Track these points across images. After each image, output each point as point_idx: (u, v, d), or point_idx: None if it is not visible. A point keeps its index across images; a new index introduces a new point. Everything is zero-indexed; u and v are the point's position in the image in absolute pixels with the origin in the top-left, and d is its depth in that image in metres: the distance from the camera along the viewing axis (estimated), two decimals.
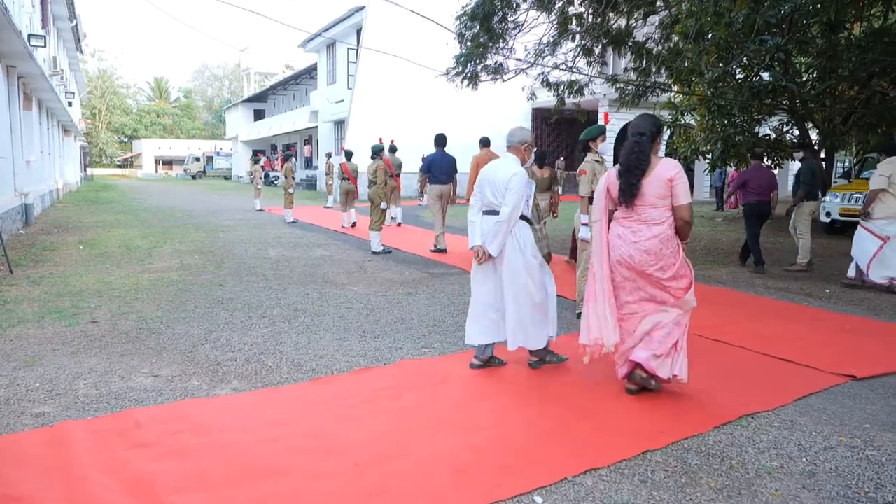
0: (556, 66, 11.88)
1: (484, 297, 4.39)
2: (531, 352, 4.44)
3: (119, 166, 67.27)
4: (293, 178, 15.62)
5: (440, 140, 10.18)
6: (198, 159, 55.79)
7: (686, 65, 13.19)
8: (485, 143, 9.90)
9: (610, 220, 4.00)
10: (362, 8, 24.17)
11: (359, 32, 24.88)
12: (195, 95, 77.26)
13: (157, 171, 63.35)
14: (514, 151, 4.40)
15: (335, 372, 4.37)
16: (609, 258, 3.91)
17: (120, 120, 66.47)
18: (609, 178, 3.97)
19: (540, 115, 27.01)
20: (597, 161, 5.83)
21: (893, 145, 7.58)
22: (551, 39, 10.93)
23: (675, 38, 13.35)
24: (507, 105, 25.62)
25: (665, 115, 15.56)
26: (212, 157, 55.52)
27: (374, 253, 10.13)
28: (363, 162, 12.87)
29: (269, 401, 3.82)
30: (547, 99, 24.31)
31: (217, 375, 4.28)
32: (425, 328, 5.57)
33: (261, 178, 19.68)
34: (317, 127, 31.04)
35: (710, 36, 12.44)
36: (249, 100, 50.04)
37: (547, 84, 11.99)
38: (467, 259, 9.35)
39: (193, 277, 7.92)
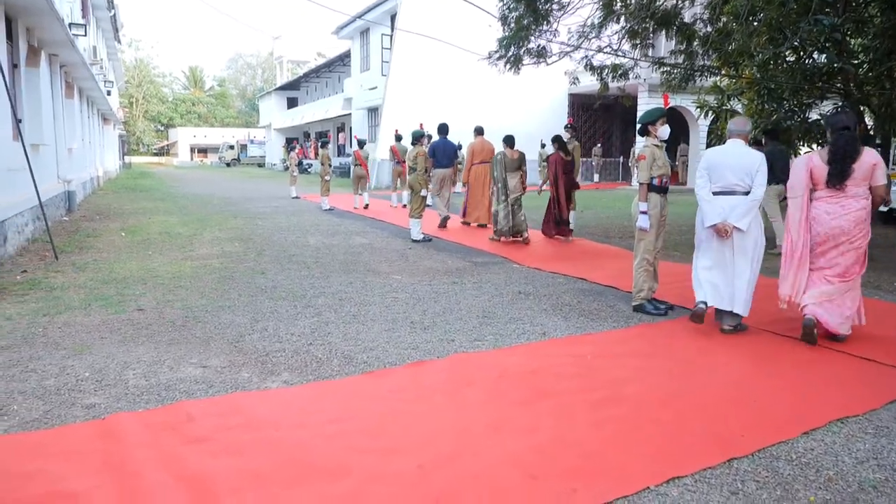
0: (601, 50, 11.50)
1: (713, 266, 4.98)
2: (731, 316, 4.99)
3: (155, 154, 68.31)
4: (329, 166, 15.52)
5: (443, 129, 11.36)
6: (232, 147, 56.28)
7: (734, 47, 12.70)
8: (479, 131, 11.58)
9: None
10: None
11: (393, 18, 24.64)
12: (229, 84, 77.93)
13: (192, 158, 64.15)
14: (742, 138, 5.00)
15: (387, 365, 4.21)
16: (810, 230, 4.72)
17: (156, 108, 67.41)
18: (811, 162, 4.72)
19: (577, 101, 26.54)
20: (656, 146, 5.55)
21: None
22: (596, 21, 10.55)
23: (724, 19, 12.86)
24: (543, 90, 25.22)
25: (710, 99, 15.09)
26: (245, 146, 55.94)
27: (415, 241, 9.96)
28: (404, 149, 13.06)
29: (322, 394, 3.67)
30: (585, 84, 23.81)
31: (267, 367, 4.14)
32: (475, 319, 5.38)
33: (296, 165, 19.65)
34: (350, 114, 30.94)
35: (761, 16, 11.96)
36: (282, 88, 50.22)
37: (591, 68, 11.62)
38: (508, 248, 9.24)
39: (235, 265, 7.84)
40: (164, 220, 12.95)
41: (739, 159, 4.88)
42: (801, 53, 13.57)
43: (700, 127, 24.16)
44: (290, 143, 26.96)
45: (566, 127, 11.30)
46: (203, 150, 65.28)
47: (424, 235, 10.15)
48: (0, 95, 7.95)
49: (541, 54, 10.65)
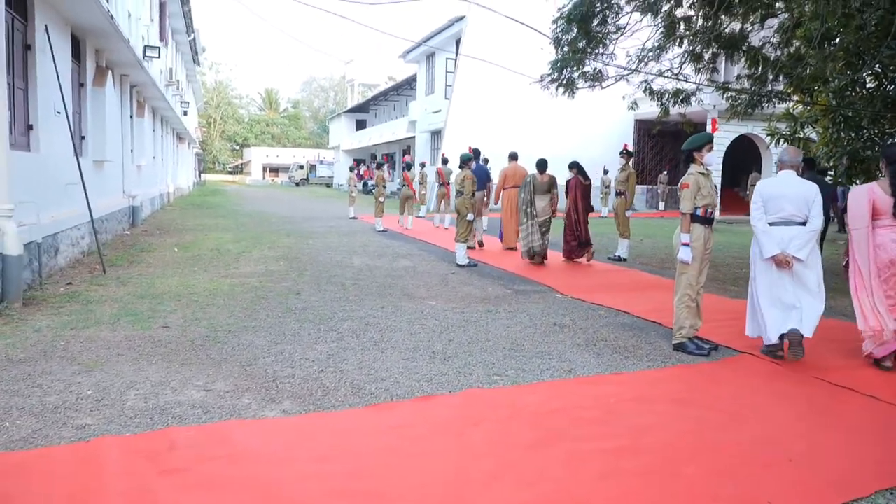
0: (661, 74, 11.09)
1: (777, 296, 4.92)
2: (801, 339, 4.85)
3: (230, 172, 70.88)
4: (384, 187, 15.54)
5: (476, 154, 11.84)
6: (301, 167, 57.77)
7: (808, 72, 12.05)
8: (513, 157, 11.92)
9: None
10: (462, 18, 24.05)
11: (457, 43, 24.76)
12: (302, 106, 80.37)
13: (264, 177, 66.21)
14: (794, 169, 5.06)
15: (395, 398, 3.98)
16: (877, 259, 4.80)
17: (232, 129, 70.08)
18: (873, 194, 4.84)
19: (642, 127, 25.90)
20: (701, 174, 5.17)
21: None
22: (656, 44, 10.17)
23: (797, 43, 12.25)
24: (605, 115, 24.70)
25: (782, 126, 14.35)
26: (315, 166, 57.30)
27: (459, 266, 9.74)
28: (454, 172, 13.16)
29: (317, 428, 3.48)
30: (650, 110, 23.22)
31: (270, 393, 3.99)
32: (501, 351, 5.10)
33: (356, 185, 19.82)
34: (414, 137, 31.19)
35: (837, 40, 11.31)
36: (351, 110, 51.31)
37: (650, 92, 11.21)
38: (552, 276, 8.90)
39: (273, 284, 7.81)
40: (220, 236, 13.19)
41: (797, 189, 4.90)
42: (882, 79, 12.79)
43: (772, 155, 23.03)
44: (359, 164, 27.45)
45: (621, 153, 10.91)
46: (275, 170, 67.28)
47: (470, 260, 9.92)
48: (61, 114, 8.25)
49: (596, 78, 10.33)
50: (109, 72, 11.40)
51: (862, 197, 4.88)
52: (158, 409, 3.66)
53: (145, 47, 17.42)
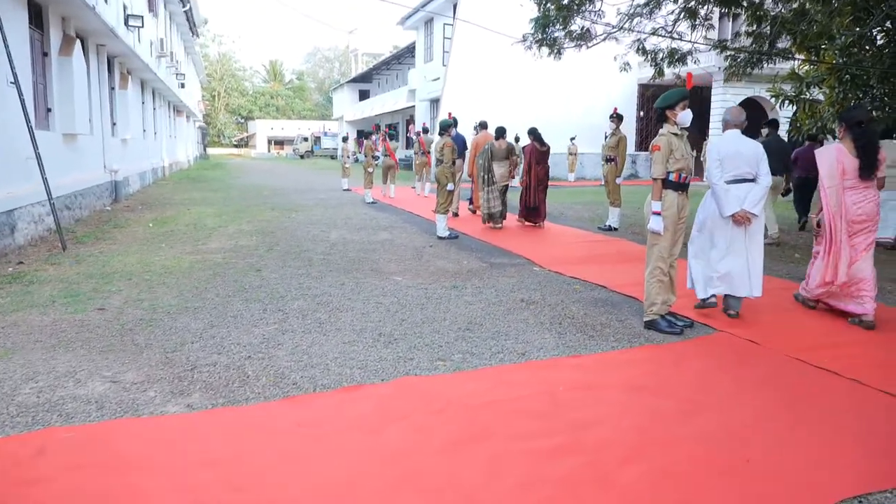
0: (654, 32, 10.46)
1: (727, 255, 4.96)
2: (737, 301, 5.10)
3: (235, 146, 70.40)
4: (372, 158, 15.08)
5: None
6: (306, 139, 57.16)
7: (814, 28, 11.36)
8: (483, 126, 12.12)
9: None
10: None
11: (455, 7, 23.97)
12: (307, 77, 79.39)
13: (269, 150, 65.72)
14: (739, 128, 5.11)
15: (320, 388, 3.60)
16: (845, 216, 4.96)
17: (237, 102, 69.39)
18: (840, 154, 5.00)
19: (646, 92, 25.11)
20: (674, 134, 4.68)
21: (889, 131, 9.15)
22: (646, 0, 9.54)
23: None
24: (607, 81, 23.92)
25: (786, 88, 13.68)
26: (319, 138, 56.66)
27: (440, 238, 9.32)
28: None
29: (213, 426, 3.10)
30: (674, 76, 22.54)
31: (182, 385, 3.61)
32: (454, 332, 4.70)
33: (349, 157, 19.32)
34: (414, 106, 30.54)
35: None
36: (354, 80, 50.52)
37: (643, 52, 10.59)
38: (534, 248, 8.43)
39: (237, 260, 7.44)
40: (202, 210, 12.83)
41: (748, 148, 4.95)
42: (892, 35, 12.09)
43: (780, 117, 22.30)
44: (360, 135, 26.88)
45: (611, 116, 10.34)
46: (280, 143, 66.74)
47: (451, 232, 9.49)
48: (17, 86, 7.82)
49: (583, 37, 9.73)
50: (78, 41, 10.93)
51: (830, 158, 5.06)
52: (48, 406, 3.30)
53: (128, 16, 16.92)
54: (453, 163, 9.31)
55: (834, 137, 13.26)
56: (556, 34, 9.46)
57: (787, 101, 13.81)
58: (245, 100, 70.95)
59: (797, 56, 12.76)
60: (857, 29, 11.19)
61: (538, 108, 23.78)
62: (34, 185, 8.29)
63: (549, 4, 9.02)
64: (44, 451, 2.78)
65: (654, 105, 4.77)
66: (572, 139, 23.76)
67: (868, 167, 4.89)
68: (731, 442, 2.99)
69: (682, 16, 10.22)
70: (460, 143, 11.69)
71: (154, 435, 2.99)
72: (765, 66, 12.27)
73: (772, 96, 14.59)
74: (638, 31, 10.46)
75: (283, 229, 10.16)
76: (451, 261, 7.66)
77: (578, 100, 24.66)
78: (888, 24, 11.50)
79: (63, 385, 3.59)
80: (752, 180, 4.90)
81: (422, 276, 6.77)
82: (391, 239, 9.33)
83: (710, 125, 22.52)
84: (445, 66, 24.30)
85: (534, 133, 10.67)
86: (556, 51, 9.70)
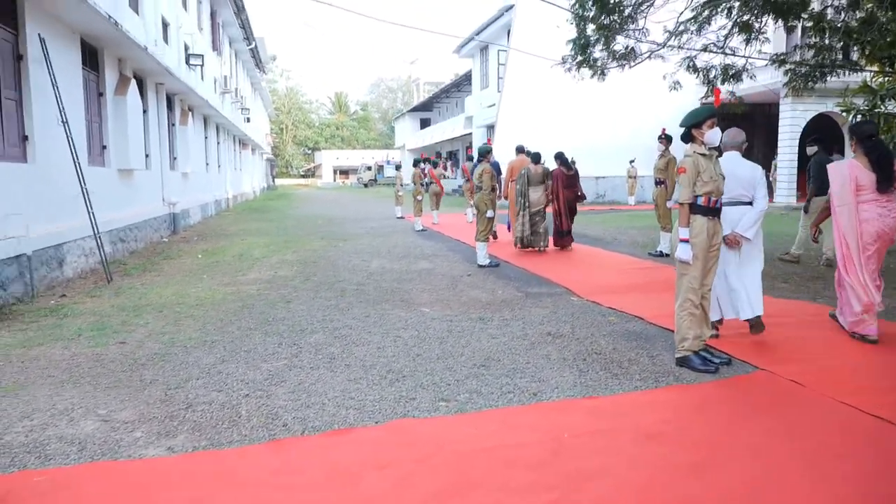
0: (705, 49, 10.01)
1: (723, 276, 4.88)
2: (755, 320, 4.98)
3: (303, 176, 72.39)
4: (422, 185, 15.05)
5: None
6: (369, 168, 58.19)
7: (888, 38, 10.63)
8: (519, 150, 11.64)
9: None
10: (511, 7, 23.23)
11: (509, 33, 23.96)
12: (371, 108, 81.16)
13: (334, 180, 67.20)
14: (738, 150, 5.02)
15: (309, 430, 3.41)
16: (863, 233, 4.88)
17: (303, 133, 71.51)
18: (853, 170, 4.94)
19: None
20: (702, 155, 4.33)
21: None
22: (693, 14, 9.12)
23: (868, 5, 10.84)
24: (663, 102, 23.27)
25: (858, 102, 12.87)
26: (382, 167, 57.57)
27: (480, 266, 9.09)
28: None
29: (187, 472, 2.95)
30: (728, 94, 21.74)
31: (171, 425, 3.50)
32: (468, 369, 4.44)
33: (402, 185, 19.39)
34: (471, 133, 30.59)
35: None
36: (415, 109, 51.22)
37: (693, 69, 10.15)
38: (574, 277, 8.04)
39: (270, 291, 7.41)
40: (253, 241, 13.03)
41: (745, 171, 4.88)
42: None
43: None
44: (415, 163, 27.04)
45: (660, 137, 9.92)
46: (345, 172, 68.19)
47: (492, 260, 9.25)
48: (65, 126, 8.13)
49: (626, 56, 9.40)
50: (133, 80, 11.37)
51: (844, 174, 4.98)
52: (31, 446, 3.24)
53: (189, 55, 17.64)
54: (493, 189, 9.10)
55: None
56: (598, 54, 9.15)
57: (858, 115, 13.02)
58: (311, 131, 73.04)
59: (866, 68, 12.01)
60: None
61: (591, 131, 23.39)
62: (82, 219, 8.55)
63: (587, 25, 8.76)
64: (6, 498, 2.69)
65: (680, 123, 4.43)
66: (631, 162, 23.18)
67: (886, 179, 4.84)
68: (753, 499, 2.62)
69: (734, 30, 9.74)
70: (494, 168, 11.48)
71: (123, 480, 2.87)
72: (828, 79, 11.59)
73: (843, 111, 13.80)
74: (688, 48, 10.04)
75: (325, 259, 10.15)
76: (486, 290, 7.41)
77: (631, 122, 24.06)
78: None
79: (55, 423, 3.53)
80: (749, 203, 4.82)
81: (452, 307, 6.55)
82: (431, 268, 9.16)
83: (779, 143, 21.49)
84: (500, 92, 24.24)
85: (560, 157, 10.78)
86: (599, 72, 9.39)
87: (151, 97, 13.64)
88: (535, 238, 10.39)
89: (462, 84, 37.72)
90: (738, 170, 4.82)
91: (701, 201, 4.30)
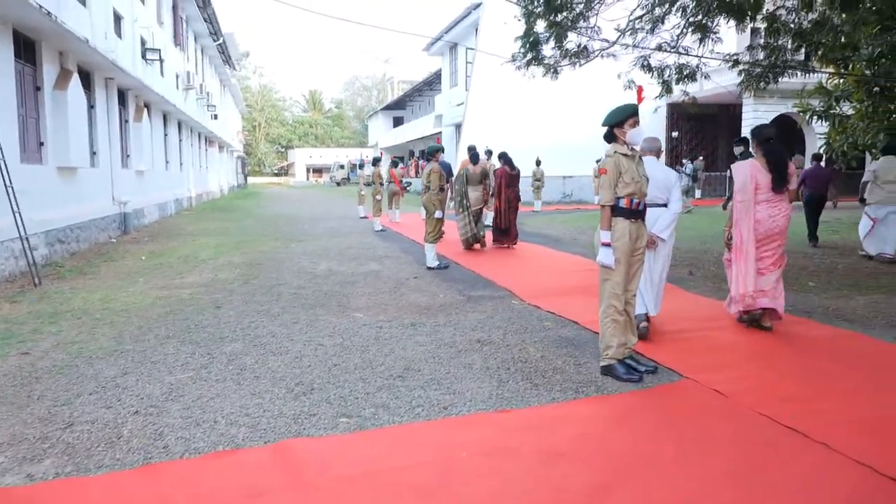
0: (659, 48, 9.87)
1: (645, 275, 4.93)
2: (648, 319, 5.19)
3: (276, 174, 71.58)
4: (380, 185, 14.81)
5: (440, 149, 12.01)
6: (342, 167, 57.66)
7: (840, 39, 10.60)
8: (470, 149, 11.60)
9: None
10: (479, 4, 23.05)
11: (477, 31, 23.77)
12: (346, 106, 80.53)
13: (308, 178, 66.54)
14: (654, 155, 5.24)
15: (192, 452, 3.16)
16: (756, 230, 5.21)
17: (277, 131, 70.69)
18: (753, 170, 5.24)
19: (677, 112, 24.34)
20: (624, 155, 4.15)
21: (888, 147, 9.88)
22: (643, 13, 8.97)
23: (821, 7, 10.80)
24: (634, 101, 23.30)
25: (814, 103, 12.88)
26: (355, 165, 57.07)
27: (429, 268, 8.87)
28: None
29: None
30: (682, 94, 21.73)
31: (42, 448, 3.23)
32: (383, 380, 4.22)
33: (366, 184, 19.09)
34: (441, 132, 30.37)
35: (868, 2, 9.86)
36: (388, 107, 50.93)
37: (648, 69, 10.01)
38: (520, 281, 7.74)
39: (203, 296, 7.12)
40: (205, 242, 12.68)
41: (661, 174, 5.09)
42: None
43: (815, 134, 21.30)
44: (375, 162, 26.81)
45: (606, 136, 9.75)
46: (318, 170, 67.56)
47: (440, 262, 9.04)
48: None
49: (579, 55, 9.23)
50: (76, 74, 10.96)
51: (745, 173, 5.28)
52: None
53: (146, 49, 17.17)
54: (441, 189, 8.88)
55: (886, 153, 12.41)
56: (549, 52, 8.96)
57: (815, 117, 13.02)
58: (285, 129, 72.27)
59: (820, 69, 11.99)
60: (887, 37, 10.45)
61: (558, 131, 23.31)
62: (8, 220, 8.16)
63: (536, 21, 8.56)
64: None
65: (602, 122, 4.25)
66: (598, 161, 23.09)
67: (780, 180, 5.14)
68: None
69: (686, 30, 9.62)
70: (446, 168, 11.41)
71: None
72: (783, 80, 11.57)
73: (799, 112, 13.80)
74: (642, 48, 9.91)
75: (273, 261, 9.86)
76: (428, 294, 7.19)
77: (597, 120, 23.93)
78: None
79: None
80: (664, 205, 5.04)
81: (388, 311, 6.33)
82: (378, 270, 8.92)
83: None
84: (468, 90, 24.06)
85: (504, 157, 11.04)
86: (551, 70, 9.21)
87: (100, 92, 13.21)
88: (476, 236, 10.68)
89: (434, 82, 37.48)
90: (654, 173, 4.93)
91: (623, 203, 4.12)
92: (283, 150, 73.13)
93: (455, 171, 13.82)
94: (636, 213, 4.17)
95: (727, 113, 24.25)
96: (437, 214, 8.82)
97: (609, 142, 4.24)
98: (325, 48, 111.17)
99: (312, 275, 8.54)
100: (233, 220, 18.28)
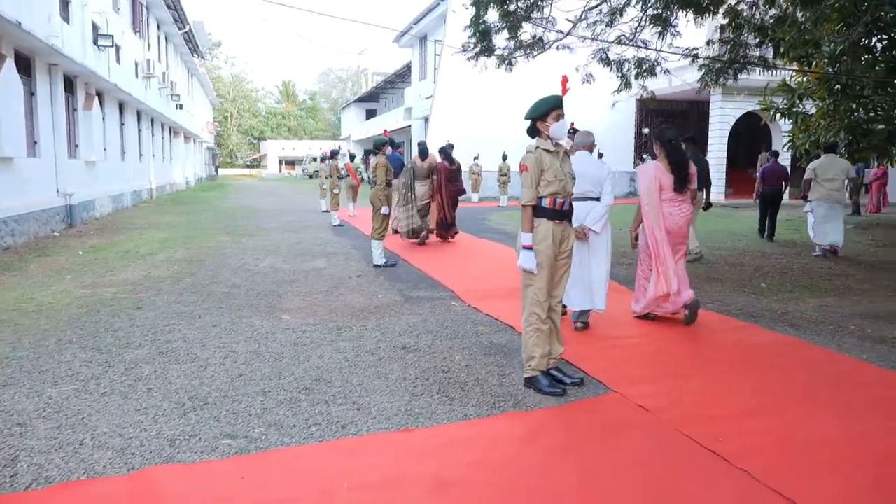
0: (619, 41, 9.61)
1: (576, 270, 4.87)
2: (585, 314, 5.33)
3: (248, 166, 70.48)
4: (338, 178, 14.42)
5: (394, 143, 11.93)
6: (315, 159, 56.85)
7: (804, 35, 10.43)
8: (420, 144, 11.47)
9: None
10: None
11: (445, 22, 23.37)
12: (320, 97, 79.54)
13: (280, 171, 65.61)
14: (588, 150, 5.30)
15: (42, 482, 2.80)
16: (665, 228, 5.27)
17: (249, 122, 69.58)
18: (658, 171, 5.32)
19: (645, 108, 24.21)
20: (547, 151, 3.85)
21: (830, 146, 10.26)
22: (597, 3, 8.70)
23: (783, 2, 10.64)
24: (602, 100, 23.10)
25: (778, 100, 12.73)
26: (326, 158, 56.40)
27: (376, 266, 8.53)
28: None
29: None
30: (657, 88, 21.59)
31: None
32: (287, 393, 3.88)
33: (327, 177, 18.66)
34: (410, 125, 29.96)
35: None
36: (360, 100, 50.34)
37: (606, 62, 9.75)
38: (470, 278, 7.37)
39: (127, 296, 6.71)
40: (153, 235, 12.20)
41: (594, 169, 5.13)
42: (885, 41, 11.20)
43: (781, 132, 21.31)
44: (333, 155, 26.35)
45: (569, 132, 9.47)
46: (291, 162, 66.64)
47: (388, 259, 8.71)
48: None
49: (534, 46, 8.92)
50: (8, 59, 10.40)
51: (650, 175, 5.35)
52: None
53: (98, 35, 16.53)
54: (388, 184, 8.53)
55: (827, 151, 12.33)
56: (503, 43, 8.64)
57: (778, 115, 12.87)
58: (257, 120, 71.16)
59: (782, 66, 11.85)
60: (847, 34, 10.30)
61: (524, 125, 23.00)
62: None
63: (486, 9, 8.22)
64: None
65: (525, 115, 3.93)
66: (505, 158, 22.93)
67: (681, 181, 5.27)
68: None
69: (645, 22, 9.37)
70: (399, 163, 11.48)
71: None
72: (745, 76, 11.42)
73: (762, 109, 13.65)
74: (600, 41, 9.64)
75: (216, 257, 9.44)
76: (366, 294, 6.86)
77: (576, 117, 23.79)
78: (884, 31, 10.60)
79: None
80: (597, 199, 5.10)
81: (318, 314, 5.98)
82: (323, 268, 8.56)
83: (709, 140, 21.51)
84: (435, 83, 23.69)
85: (445, 152, 11.11)
86: (505, 62, 8.89)
87: (42, 79, 12.61)
88: (420, 229, 10.68)
89: (406, 75, 36.99)
90: (587, 168, 5.06)
91: (546, 203, 3.82)
92: (256, 141, 72.03)
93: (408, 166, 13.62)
94: (561, 214, 3.86)
95: (697, 109, 24.19)
96: (384, 211, 8.47)
97: (532, 136, 3.92)
98: (300, 39, 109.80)
99: (252, 272, 8.16)
100: (190, 214, 17.74)
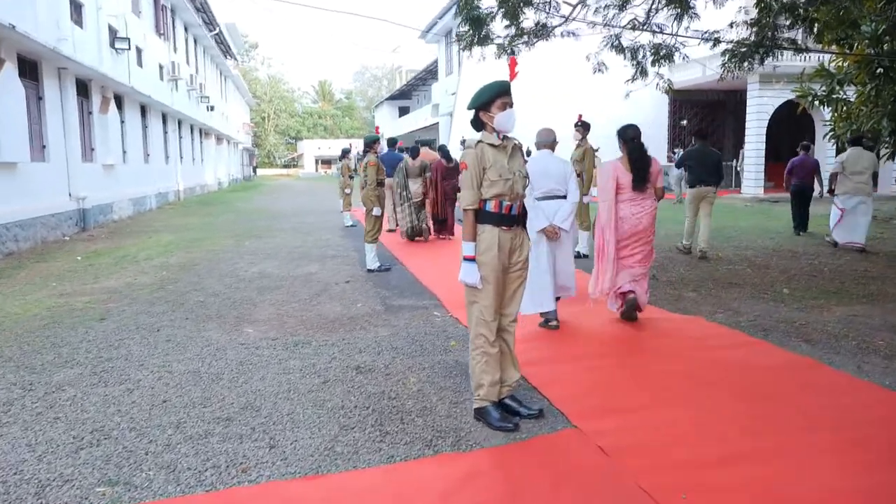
0: (632, 25, 8.94)
1: (546, 268, 4.96)
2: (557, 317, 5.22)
3: (286, 166, 71.13)
4: (350, 178, 14.04)
5: (391, 142, 12.69)
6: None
7: (842, 14, 9.58)
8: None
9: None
10: None
11: None
12: (356, 96, 79.76)
13: (317, 170, 66.00)
14: (550, 148, 5.17)
15: None
16: (619, 229, 5.22)
17: (286, 123, 70.16)
18: (616, 170, 5.23)
19: (679, 100, 23.20)
20: (491, 145, 3.30)
21: (856, 139, 9.94)
22: None
23: None
24: (640, 87, 22.21)
25: (815, 87, 11.82)
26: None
27: (369, 271, 8.09)
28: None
29: None
30: (684, 77, 20.61)
31: None
32: (203, 425, 3.44)
33: (348, 177, 18.32)
34: (438, 122, 29.49)
35: None
36: (393, 97, 50.15)
37: (619, 49, 9.08)
38: (450, 289, 6.96)
39: (98, 305, 6.40)
40: (158, 239, 12.02)
41: (556, 167, 5.06)
42: None
43: (824, 120, 20.11)
44: (344, 154, 26.11)
45: (576, 125, 8.88)
46: (327, 162, 66.98)
47: (381, 264, 8.24)
48: None
49: (538, 33, 8.32)
50: (9, 64, 10.29)
51: (608, 174, 5.23)
52: None
53: (115, 38, 16.51)
54: (379, 184, 8.06)
55: (870, 140, 11.40)
56: (504, 31, 8.06)
57: (816, 102, 11.96)
58: (294, 120, 71.72)
59: (817, 49, 10.97)
60: (890, 13, 9.41)
61: (562, 117, 22.27)
62: None
63: None
64: None
65: (467, 105, 3.39)
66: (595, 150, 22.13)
67: (640, 180, 5.13)
68: None
69: (658, 5, 8.68)
70: (396, 161, 11.29)
71: None
72: (784, 63, 10.58)
73: (799, 97, 12.73)
74: (611, 26, 8.98)
75: (209, 262, 9.14)
76: (346, 303, 6.40)
77: (607, 108, 22.93)
78: None
79: None
80: (563, 197, 5.03)
81: (285, 326, 5.55)
82: (314, 273, 8.15)
83: (746, 132, 20.43)
84: (459, 77, 23.15)
85: (442, 150, 11.20)
86: (505, 51, 8.32)
87: (51, 83, 12.54)
88: (416, 228, 10.72)
89: (434, 71, 36.56)
90: (549, 167, 5.01)
91: (490, 207, 3.27)
92: (293, 141, 72.61)
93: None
94: (509, 220, 3.30)
95: (734, 99, 23.08)
96: (375, 212, 8.01)
97: (478, 130, 3.38)
98: (335, 38, 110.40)
99: (238, 279, 7.80)
100: (209, 215, 17.62)
